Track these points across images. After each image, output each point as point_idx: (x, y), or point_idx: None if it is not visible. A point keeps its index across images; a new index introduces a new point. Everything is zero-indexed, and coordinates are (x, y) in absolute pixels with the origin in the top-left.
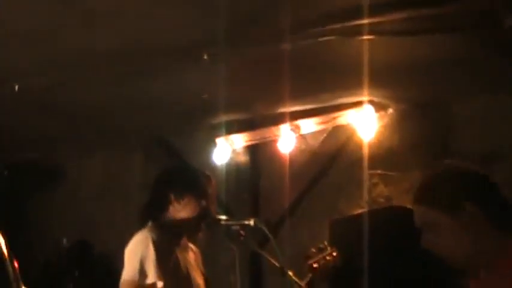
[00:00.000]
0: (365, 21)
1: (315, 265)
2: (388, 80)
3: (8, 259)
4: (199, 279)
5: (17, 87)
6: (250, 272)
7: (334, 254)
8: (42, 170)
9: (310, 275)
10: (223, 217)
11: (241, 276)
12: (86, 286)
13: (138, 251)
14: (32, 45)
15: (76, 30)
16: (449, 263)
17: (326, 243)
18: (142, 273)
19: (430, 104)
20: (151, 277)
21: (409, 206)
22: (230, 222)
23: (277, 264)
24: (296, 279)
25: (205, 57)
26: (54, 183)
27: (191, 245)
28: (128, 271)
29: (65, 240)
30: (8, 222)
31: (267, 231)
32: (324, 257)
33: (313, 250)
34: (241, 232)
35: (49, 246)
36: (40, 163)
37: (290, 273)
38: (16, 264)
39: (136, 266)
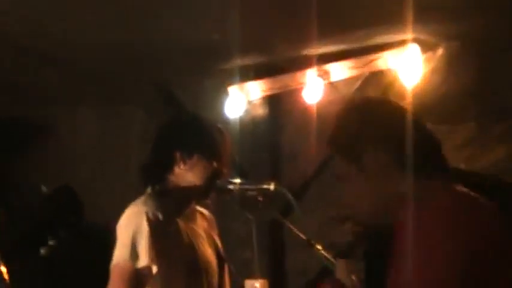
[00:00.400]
0: None
1: None
2: (437, 14)
3: None
4: (210, 254)
5: None
6: (270, 245)
7: None
8: (31, 124)
9: None
10: (238, 180)
11: (259, 250)
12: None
13: (129, 228)
14: None
15: None
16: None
17: None
18: (134, 254)
19: (487, 42)
20: (144, 259)
21: (460, 165)
22: (246, 187)
23: (302, 236)
24: (326, 254)
25: None
26: (44, 138)
27: (203, 211)
28: (119, 253)
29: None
30: None
31: (290, 197)
32: None
33: None
34: (259, 198)
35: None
36: (29, 117)
37: (318, 246)
38: None
39: (128, 245)
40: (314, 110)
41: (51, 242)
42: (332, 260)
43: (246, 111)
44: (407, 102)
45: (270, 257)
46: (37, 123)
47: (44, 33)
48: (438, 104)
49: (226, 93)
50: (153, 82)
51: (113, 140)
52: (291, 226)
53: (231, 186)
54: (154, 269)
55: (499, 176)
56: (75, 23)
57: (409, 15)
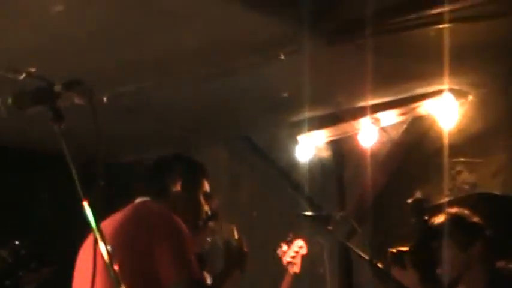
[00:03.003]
0: (443, 9)
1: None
2: (467, 67)
3: None
4: None
5: (105, 99)
6: (339, 264)
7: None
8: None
9: None
10: (310, 212)
11: (330, 268)
12: None
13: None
14: (114, 52)
15: (155, 34)
16: None
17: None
18: None
19: (509, 88)
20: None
21: (495, 191)
22: (318, 217)
23: (365, 256)
24: (386, 271)
25: (282, 57)
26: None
27: None
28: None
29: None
30: None
31: (354, 224)
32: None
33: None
34: (329, 226)
35: None
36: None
37: (379, 264)
38: None
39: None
40: (369, 151)
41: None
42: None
43: (314, 154)
44: (445, 142)
45: (339, 274)
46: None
47: (145, 94)
48: (472, 141)
49: (296, 140)
50: (236, 132)
51: None
52: (355, 248)
53: (305, 217)
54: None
55: None
56: (171, 83)
57: (444, 70)
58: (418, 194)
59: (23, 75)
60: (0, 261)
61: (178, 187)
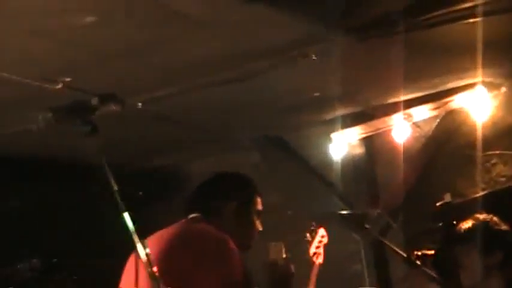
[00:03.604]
0: (473, 2)
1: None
2: (499, 58)
3: None
4: None
5: (140, 104)
6: (375, 260)
7: None
8: (165, 176)
9: None
10: (345, 211)
11: (367, 264)
12: None
13: None
14: (143, 59)
15: (181, 42)
16: None
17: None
18: None
19: None
20: None
21: None
22: (354, 215)
23: (401, 252)
24: (422, 265)
25: (314, 57)
26: (175, 187)
27: None
28: None
29: None
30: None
31: (390, 221)
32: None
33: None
34: (366, 224)
35: None
36: (162, 169)
37: (416, 260)
38: None
39: None
40: (401, 146)
41: None
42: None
43: (347, 152)
44: (479, 135)
45: (376, 269)
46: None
47: (175, 100)
48: (506, 133)
49: (329, 138)
50: (268, 133)
51: None
52: (390, 245)
53: (341, 215)
54: None
55: None
56: (200, 88)
57: (476, 63)
58: (447, 198)
59: (60, 85)
60: (31, 271)
61: (232, 207)
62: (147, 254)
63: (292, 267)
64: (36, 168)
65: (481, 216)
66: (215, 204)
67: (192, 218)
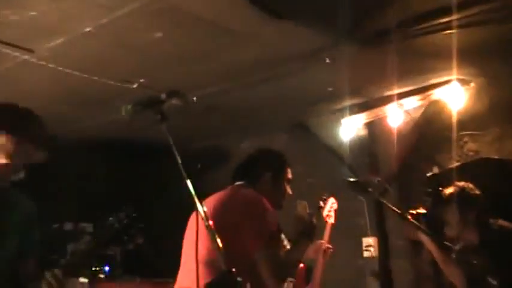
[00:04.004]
0: (451, 17)
1: None
2: (469, 61)
3: None
4: None
5: (195, 98)
6: (375, 215)
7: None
8: (215, 154)
9: None
10: (353, 178)
11: (370, 219)
12: None
13: None
14: (198, 64)
15: (227, 50)
16: None
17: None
18: None
19: (500, 76)
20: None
21: (492, 156)
22: (359, 181)
23: (397, 210)
24: (413, 221)
25: (327, 60)
26: (222, 163)
27: None
28: None
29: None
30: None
31: (387, 186)
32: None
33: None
34: (369, 188)
35: None
36: (214, 147)
37: (408, 216)
38: None
39: None
40: (396, 129)
41: None
42: (417, 224)
43: (354, 134)
44: (454, 120)
45: (376, 223)
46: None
47: (224, 95)
48: (474, 119)
49: (340, 123)
50: (294, 120)
51: None
52: (388, 204)
53: (350, 181)
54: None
55: None
56: (243, 85)
57: (452, 64)
58: (435, 170)
59: (135, 85)
60: (110, 227)
61: (268, 176)
62: (204, 212)
63: (314, 220)
64: (119, 149)
65: (460, 184)
66: (255, 174)
67: (238, 184)
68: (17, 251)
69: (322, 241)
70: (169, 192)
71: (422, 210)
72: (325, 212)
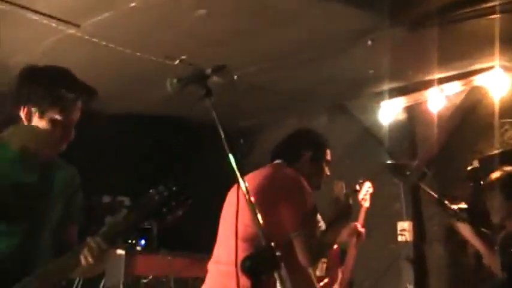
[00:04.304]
0: (494, 3)
1: None
2: None
3: None
4: None
5: (236, 76)
6: (412, 200)
7: None
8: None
9: None
10: (390, 161)
11: (406, 203)
12: None
13: None
14: (242, 43)
15: (271, 29)
16: None
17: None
18: None
19: None
20: None
21: None
22: (398, 165)
23: (435, 195)
24: (449, 206)
25: (369, 42)
26: (262, 142)
27: None
28: None
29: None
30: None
31: (426, 170)
32: None
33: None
34: (407, 171)
35: None
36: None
37: (446, 201)
38: None
39: None
40: (435, 114)
41: None
42: (454, 209)
43: (394, 117)
44: (496, 107)
45: (412, 207)
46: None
47: (266, 75)
48: None
49: (380, 107)
50: (334, 101)
51: None
52: (426, 188)
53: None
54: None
55: None
56: (285, 66)
57: (495, 50)
58: (475, 164)
59: (177, 61)
60: (150, 199)
61: (308, 156)
62: (246, 187)
63: (351, 200)
64: (161, 125)
65: (508, 168)
66: (295, 153)
67: (278, 163)
68: (61, 216)
69: (357, 223)
70: (210, 168)
71: (463, 205)
72: (360, 196)
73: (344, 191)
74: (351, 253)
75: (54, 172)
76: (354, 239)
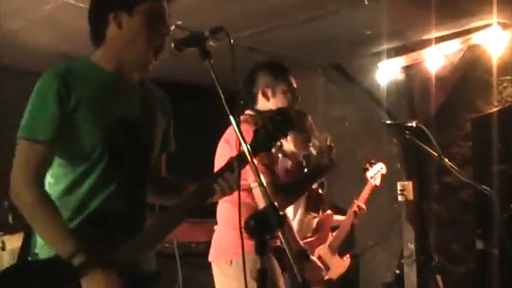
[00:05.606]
0: None
1: None
2: (510, 4)
3: None
4: None
5: (232, 41)
6: (411, 159)
7: None
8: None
9: None
10: (389, 121)
11: (405, 163)
12: None
13: None
14: (235, 4)
15: None
16: None
17: None
18: None
19: None
20: None
21: None
22: (396, 124)
23: (435, 153)
24: (450, 163)
25: (366, 2)
26: None
27: None
28: None
29: None
30: None
31: (424, 129)
32: None
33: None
34: (406, 130)
35: None
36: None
37: (446, 159)
38: None
39: None
40: (433, 73)
41: None
42: (453, 166)
43: (392, 77)
44: (494, 64)
45: (412, 166)
46: None
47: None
48: None
49: (377, 67)
50: (331, 61)
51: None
52: (426, 147)
53: (387, 123)
54: None
55: None
56: (282, 26)
57: (492, 8)
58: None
59: (172, 27)
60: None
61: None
62: (247, 147)
63: (334, 154)
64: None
65: None
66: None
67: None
68: (159, 143)
69: (356, 201)
70: (213, 131)
71: None
72: (370, 174)
73: (328, 142)
74: (345, 225)
75: (152, 98)
76: (353, 214)
